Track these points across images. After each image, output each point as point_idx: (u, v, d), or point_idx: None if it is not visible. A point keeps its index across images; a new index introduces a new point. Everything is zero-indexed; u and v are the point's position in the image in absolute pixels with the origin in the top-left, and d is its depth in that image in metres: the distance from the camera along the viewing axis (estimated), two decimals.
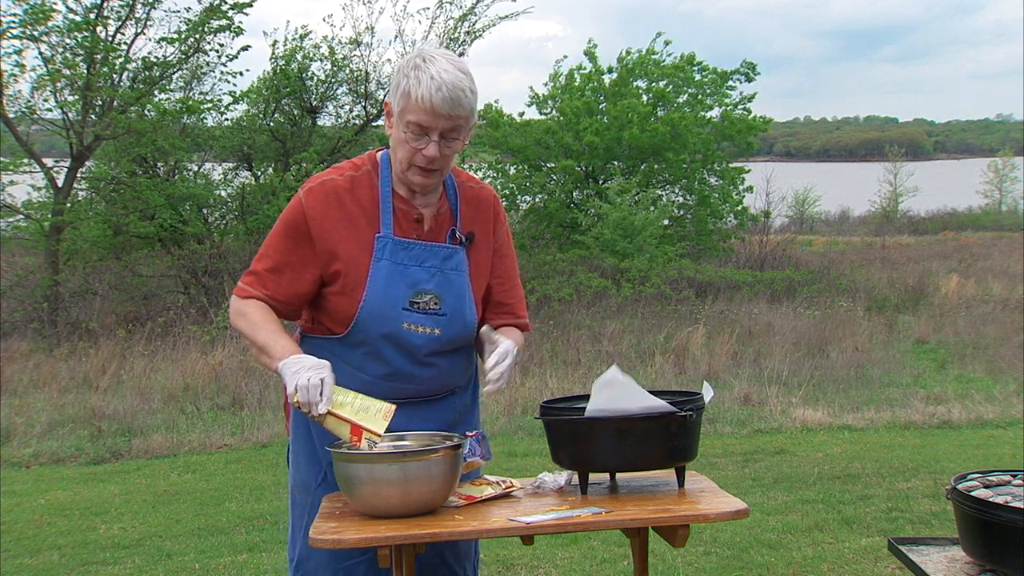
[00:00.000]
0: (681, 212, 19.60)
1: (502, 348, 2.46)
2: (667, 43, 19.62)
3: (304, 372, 2.30)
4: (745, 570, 4.55)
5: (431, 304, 2.51)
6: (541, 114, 19.94)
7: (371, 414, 2.31)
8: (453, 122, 2.41)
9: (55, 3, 13.11)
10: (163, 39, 13.92)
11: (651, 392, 2.32)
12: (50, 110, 13.71)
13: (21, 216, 14.06)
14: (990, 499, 2.11)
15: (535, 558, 4.76)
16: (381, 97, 15.34)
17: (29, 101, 13.51)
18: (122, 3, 13.65)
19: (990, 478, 2.29)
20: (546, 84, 20.12)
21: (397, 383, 2.51)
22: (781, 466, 6.78)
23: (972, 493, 2.16)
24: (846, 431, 8.06)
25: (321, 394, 2.28)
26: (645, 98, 19.13)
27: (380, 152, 2.59)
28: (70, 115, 13.64)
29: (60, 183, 13.57)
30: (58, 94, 13.49)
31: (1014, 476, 2.30)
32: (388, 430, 2.33)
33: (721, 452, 7.25)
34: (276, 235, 2.54)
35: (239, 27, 14.13)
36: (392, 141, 2.51)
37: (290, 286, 2.51)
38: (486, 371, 2.44)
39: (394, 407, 2.34)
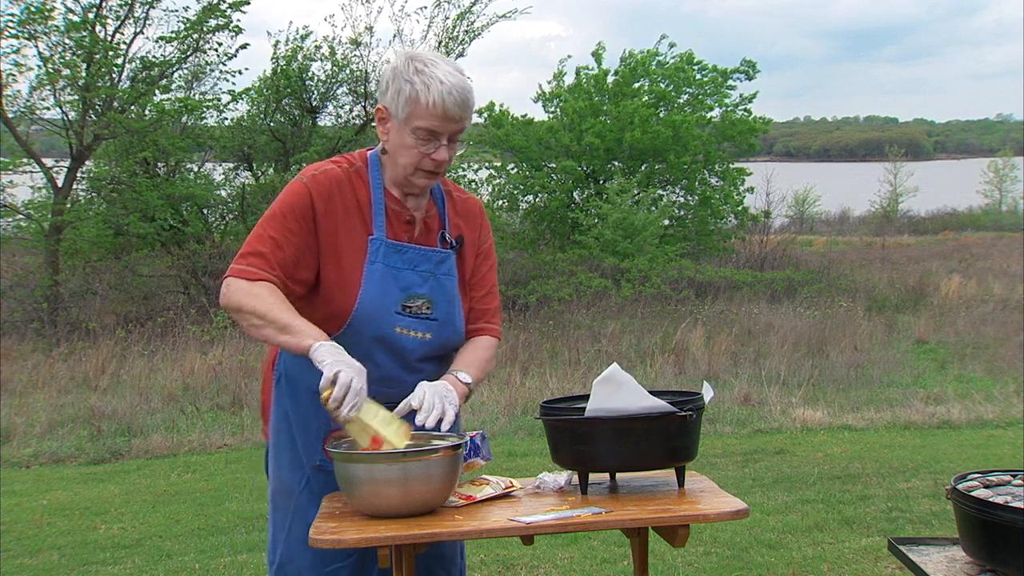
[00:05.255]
0: (682, 212, 19.59)
1: (419, 389, 2.33)
2: (671, 45, 19.66)
3: (347, 370, 2.20)
4: (745, 570, 4.55)
5: (423, 308, 2.48)
6: (546, 112, 19.94)
7: (393, 429, 2.29)
8: (460, 124, 2.43)
9: (54, 3, 13.13)
10: (161, 38, 13.93)
11: (651, 392, 2.32)
12: (48, 109, 13.74)
13: (21, 216, 14.05)
14: (990, 499, 2.10)
15: (535, 558, 4.76)
16: None
17: (28, 101, 13.53)
18: (120, 2, 13.65)
19: (990, 478, 2.28)
20: (550, 82, 20.16)
21: (384, 388, 2.42)
22: (781, 466, 6.78)
23: (972, 493, 2.15)
24: (846, 431, 8.07)
25: (354, 406, 2.20)
26: (646, 98, 19.12)
27: (370, 152, 2.55)
28: (69, 115, 13.64)
29: (60, 183, 13.56)
30: (57, 94, 13.49)
31: (1014, 476, 2.30)
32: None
33: (721, 452, 7.25)
34: (277, 218, 2.40)
35: (238, 26, 14.14)
36: (391, 146, 2.45)
37: (295, 272, 2.40)
38: (418, 420, 2.29)
39: (409, 426, 2.31)
